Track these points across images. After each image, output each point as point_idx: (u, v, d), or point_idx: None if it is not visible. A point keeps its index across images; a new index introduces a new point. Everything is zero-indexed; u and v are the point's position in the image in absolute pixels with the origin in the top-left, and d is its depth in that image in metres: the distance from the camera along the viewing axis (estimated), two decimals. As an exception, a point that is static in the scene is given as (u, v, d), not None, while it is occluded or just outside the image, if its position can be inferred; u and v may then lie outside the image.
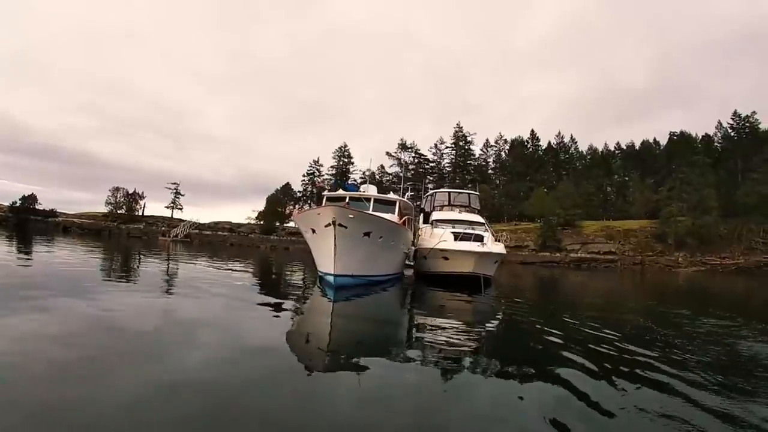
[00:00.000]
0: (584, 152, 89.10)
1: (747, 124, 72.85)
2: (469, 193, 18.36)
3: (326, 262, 10.07)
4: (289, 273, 16.38)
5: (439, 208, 17.34)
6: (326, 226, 9.61)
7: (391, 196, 15.07)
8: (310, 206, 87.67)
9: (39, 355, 3.69)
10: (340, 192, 14.43)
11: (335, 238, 9.52)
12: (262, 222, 74.15)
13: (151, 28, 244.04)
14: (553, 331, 6.45)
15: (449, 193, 18.22)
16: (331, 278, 9.93)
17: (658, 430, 2.89)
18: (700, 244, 55.10)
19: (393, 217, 12.80)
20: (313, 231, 10.44)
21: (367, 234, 10.32)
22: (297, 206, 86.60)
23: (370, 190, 14.83)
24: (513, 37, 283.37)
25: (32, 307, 5.56)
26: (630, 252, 58.04)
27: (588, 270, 43.27)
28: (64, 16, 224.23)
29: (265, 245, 61.20)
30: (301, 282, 13.37)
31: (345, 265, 9.82)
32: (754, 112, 72.67)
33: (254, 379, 3.49)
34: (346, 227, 9.60)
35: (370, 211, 12.26)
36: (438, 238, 13.40)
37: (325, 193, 14.11)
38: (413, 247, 16.11)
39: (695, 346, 5.91)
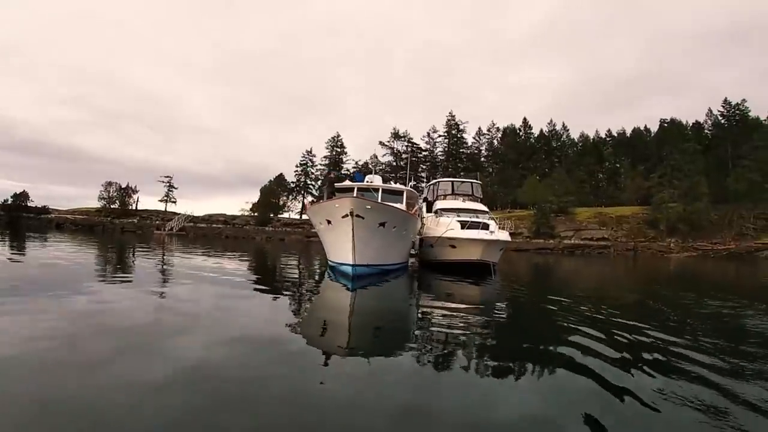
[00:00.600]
0: (576, 140, 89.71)
1: (737, 112, 73.63)
2: (471, 182, 18.49)
3: (343, 252, 10.22)
4: (293, 264, 16.54)
5: (442, 197, 17.51)
6: (343, 217, 9.77)
7: (398, 185, 15.22)
8: (303, 196, 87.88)
9: (40, 349, 3.62)
10: (347, 183, 14.54)
11: (353, 229, 9.69)
12: (256, 213, 73.91)
13: (140, 18, 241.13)
14: (564, 314, 6.67)
15: (452, 182, 18.34)
16: (348, 268, 10.07)
17: (683, 415, 2.78)
18: (691, 230, 55.96)
19: (401, 207, 13.00)
20: (329, 222, 10.59)
21: (382, 224, 10.50)
22: (290, 197, 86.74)
23: (376, 181, 14.93)
24: (505, 26, 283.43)
25: (30, 302, 5.53)
26: (623, 238, 58.74)
27: (582, 256, 43.67)
28: (49, 7, 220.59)
29: (261, 236, 61.18)
30: (310, 273, 13.53)
31: (362, 254, 9.97)
32: (744, 100, 73.61)
33: (269, 370, 3.44)
34: (363, 218, 9.77)
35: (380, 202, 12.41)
36: (445, 226, 13.60)
37: (337, 184, 14.20)
38: (418, 236, 16.27)
39: (708, 326, 6.16)
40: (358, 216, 9.62)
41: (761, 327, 6.15)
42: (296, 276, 12.14)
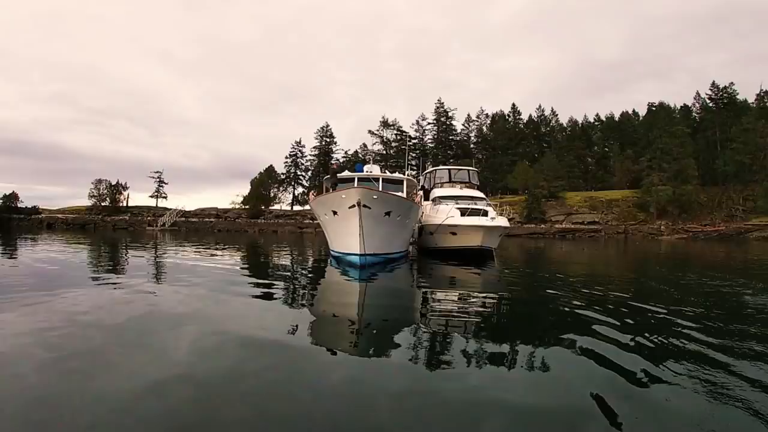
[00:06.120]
0: (564, 125, 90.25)
1: (725, 95, 74.32)
2: (468, 170, 18.60)
3: (349, 242, 10.26)
4: (292, 256, 16.52)
5: (439, 185, 17.56)
6: (350, 207, 9.81)
7: (398, 175, 15.26)
8: (294, 187, 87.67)
9: (29, 350, 3.48)
10: (347, 173, 14.55)
11: (360, 219, 9.72)
12: (247, 206, 73.66)
13: (120, 12, 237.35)
14: (567, 297, 6.71)
15: (449, 170, 18.40)
16: (355, 258, 10.12)
17: (695, 397, 2.71)
18: (681, 212, 56.76)
19: (402, 196, 13.07)
20: (335, 213, 10.62)
21: (387, 213, 10.56)
22: (281, 188, 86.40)
23: (375, 170, 14.94)
24: (492, 12, 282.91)
25: (21, 304, 5.31)
26: (613, 221, 59.40)
27: (573, 240, 44.02)
28: (28, 4, 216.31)
29: (253, 229, 61.07)
30: (311, 263, 13.61)
31: (369, 244, 10.02)
32: (731, 83, 74.39)
33: (281, 367, 3.28)
34: (370, 208, 9.81)
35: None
36: (445, 214, 13.66)
37: (339, 175, 14.20)
38: (417, 224, 16.31)
39: (711, 304, 6.24)
40: (365, 206, 9.66)
41: (759, 304, 6.29)
42: (298, 267, 12.11)
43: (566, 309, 5.75)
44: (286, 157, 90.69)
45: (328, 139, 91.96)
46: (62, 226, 56.78)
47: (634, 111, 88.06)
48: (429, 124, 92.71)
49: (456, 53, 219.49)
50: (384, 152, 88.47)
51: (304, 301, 6.58)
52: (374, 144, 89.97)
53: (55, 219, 62.35)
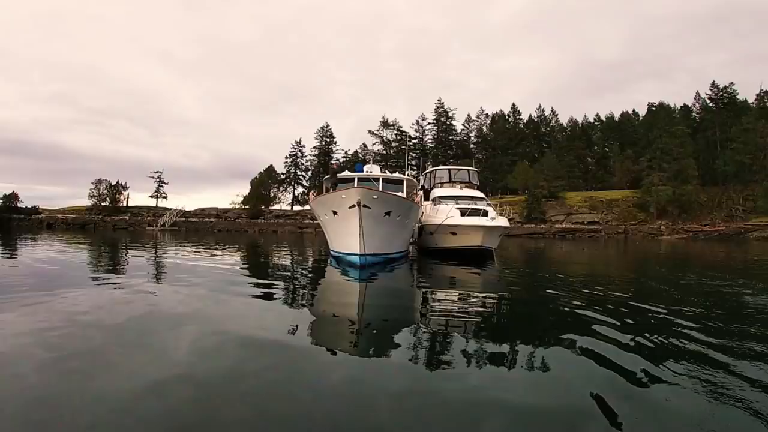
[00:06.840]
0: (564, 125, 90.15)
1: (725, 95, 74.22)
2: (468, 170, 18.58)
3: (350, 242, 10.24)
4: (292, 256, 16.50)
5: (439, 185, 17.53)
6: (350, 207, 9.79)
7: (398, 175, 15.25)
8: (294, 187, 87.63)
9: (29, 350, 3.46)
10: (347, 173, 14.54)
11: (360, 219, 9.71)
12: (247, 206, 73.56)
13: (120, 12, 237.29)
14: (567, 297, 6.69)
15: (449, 170, 18.37)
16: (355, 258, 10.11)
17: (697, 400, 2.68)
18: (681, 212, 56.74)
19: (402, 196, 13.06)
20: (335, 213, 10.61)
21: (387, 213, 10.54)
22: (281, 188, 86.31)
23: (375, 170, 14.93)
24: (492, 12, 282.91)
25: (21, 304, 5.28)
26: (613, 221, 59.37)
27: (573, 240, 43.95)
28: (29, 2, 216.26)
29: (253, 229, 61.02)
30: (311, 263, 13.60)
31: (369, 244, 10.01)
32: (731, 83, 74.29)
33: (280, 367, 3.27)
34: (370, 208, 9.80)
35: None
36: (445, 214, 13.65)
37: (339, 175, 14.19)
38: (417, 224, 16.27)
39: (711, 304, 6.24)
40: (365, 206, 9.65)
41: (759, 304, 6.28)
42: (298, 267, 12.10)
43: (566, 309, 5.74)
44: (286, 157, 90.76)
45: (328, 139, 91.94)
46: (62, 226, 56.77)
47: (634, 111, 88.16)
48: (429, 124, 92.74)
49: (456, 53, 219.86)
50: (384, 152, 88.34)
51: (304, 301, 6.58)
52: (374, 144, 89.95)
53: (55, 219, 62.32)
